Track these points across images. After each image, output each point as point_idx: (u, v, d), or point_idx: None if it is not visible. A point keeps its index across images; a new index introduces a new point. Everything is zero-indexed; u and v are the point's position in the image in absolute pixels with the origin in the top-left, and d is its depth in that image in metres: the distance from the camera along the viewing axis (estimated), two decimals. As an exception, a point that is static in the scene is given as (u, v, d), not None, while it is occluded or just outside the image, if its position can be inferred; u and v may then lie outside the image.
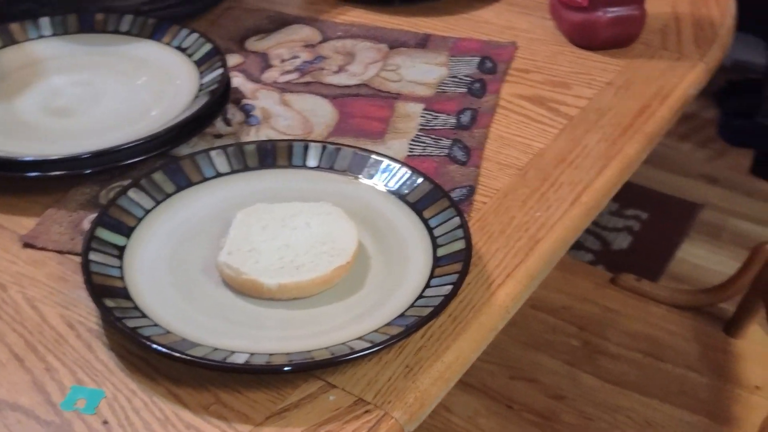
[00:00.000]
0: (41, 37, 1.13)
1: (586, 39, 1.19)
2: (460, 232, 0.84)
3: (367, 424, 0.71)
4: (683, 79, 1.15)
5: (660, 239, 2.26)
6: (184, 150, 0.99)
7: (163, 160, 0.97)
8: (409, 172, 0.92)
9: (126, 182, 0.95)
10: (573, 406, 1.20)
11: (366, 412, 0.72)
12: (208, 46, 1.09)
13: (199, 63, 1.08)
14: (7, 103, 1.03)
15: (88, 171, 0.93)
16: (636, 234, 2.27)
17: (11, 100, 1.04)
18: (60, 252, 0.87)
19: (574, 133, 1.05)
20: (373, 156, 0.94)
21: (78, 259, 0.86)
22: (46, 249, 0.87)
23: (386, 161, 0.93)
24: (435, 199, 0.89)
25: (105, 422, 0.71)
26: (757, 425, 1.17)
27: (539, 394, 1.23)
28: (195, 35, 1.11)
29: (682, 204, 2.37)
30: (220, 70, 1.04)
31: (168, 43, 1.12)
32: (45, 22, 1.14)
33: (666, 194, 2.40)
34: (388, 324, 0.76)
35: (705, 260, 2.22)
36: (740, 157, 2.52)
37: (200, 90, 1.03)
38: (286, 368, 0.71)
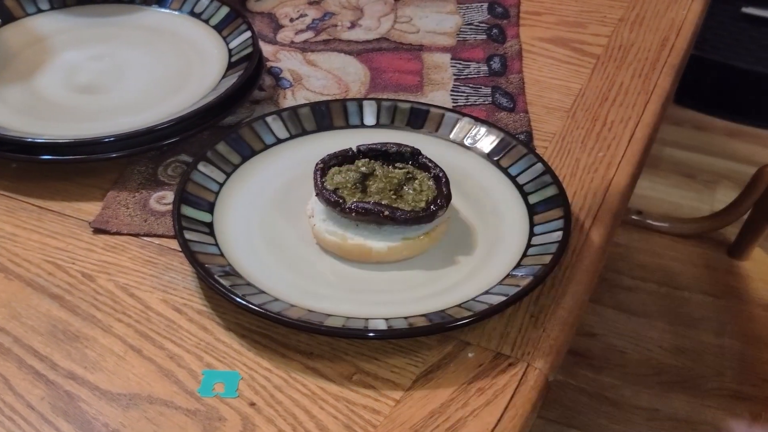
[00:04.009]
0: (40, 11, 1.07)
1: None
2: (548, 178, 0.84)
3: (515, 377, 0.70)
4: (690, 10, 1.17)
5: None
6: (228, 119, 0.95)
7: (209, 131, 0.93)
8: (474, 121, 0.91)
9: (179, 157, 0.91)
10: (605, 341, 1.22)
11: (510, 365, 0.71)
12: (224, 10, 1.05)
13: (219, 28, 1.04)
14: (24, 83, 0.97)
15: (140, 149, 0.88)
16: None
17: (28, 80, 0.98)
18: (137, 235, 0.82)
19: (606, 71, 1.06)
20: (433, 109, 0.92)
21: (158, 240, 0.82)
22: (120, 233, 0.82)
23: (447, 113, 0.92)
24: (508, 148, 0.88)
25: (252, 404, 0.68)
26: (781, 341, 1.21)
27: (570, 333, 1.24)
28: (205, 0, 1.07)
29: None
30: (247, 34, 1.01)
31: (178, 9, 1.07)
32: (41, -4, 1.07)
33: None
34: (509, 276, 0.75)
35: (650, 190, 2.27)
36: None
37: (231, 56, 0.99)
38: (436, 330, 0.70)
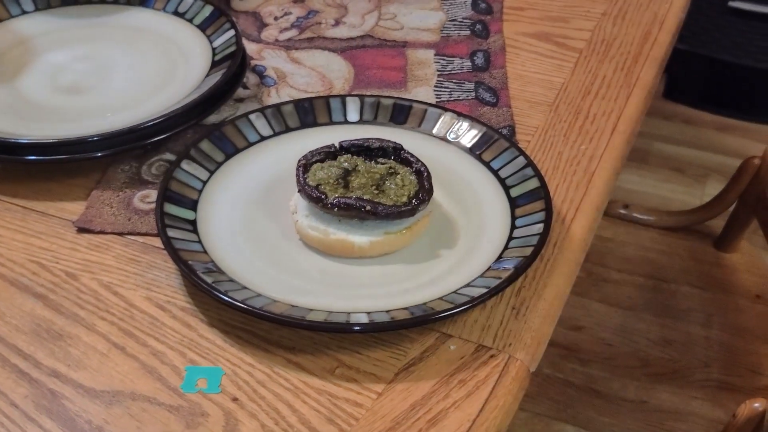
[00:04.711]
0: (24, 13, 1.07)
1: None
2: (529, 171, 0.84)
3: (496, 368, 0.71)
4: (672, 3, 1.17)
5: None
6: (211, 118, 0.95)
7: (193, 129, 0.93)
8: (456, 116, 0.91)
9: (163, 155, 0.91)
10: (592, 334, 1.23)
11: (491, 357, 0.72)
12: (208, 9, 1.05)
13: (203, 27, 1.04)
14: (8, 84, 0.98)
15: (125, 148, 0.88)
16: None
17: (13, 81, 0.98)
18: (120, 234, 0.83)
19: (589, 65, 1.06)
20: (415, 104, 0.92)
21: (141, 239, 0.83)
22: (104, 232, 0.83)
23: (430, 109, 0.92)
24: (490, 142, 0.88)
25: (235, 399, 0.68)
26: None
27: (557, 326, 1.25)
28: (189, -1, 1.07)
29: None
30: (231, 32, 1.01)
31: (162, 9, 1.07)
32: (25, -3, 1.08)
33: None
34: (491, 269, 0.76)
35: (639, 185, 2.28)
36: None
37: (215, 55, 0.99)
38: (417, 323, 0.70)
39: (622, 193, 2.27)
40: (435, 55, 1.07)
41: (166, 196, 0.81)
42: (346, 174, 0.79)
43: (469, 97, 1.00)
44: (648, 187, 2.30)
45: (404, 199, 0.77)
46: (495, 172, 0.86)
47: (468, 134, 0.89)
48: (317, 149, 0.82)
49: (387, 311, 0.72)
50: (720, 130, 2.50)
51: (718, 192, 1.33)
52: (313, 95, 1.00)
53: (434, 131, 0.90)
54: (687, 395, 1.16)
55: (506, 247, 0.78)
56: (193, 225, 0.80)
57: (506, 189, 0.84)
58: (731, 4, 2.42)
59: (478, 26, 1.12)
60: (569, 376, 1.18)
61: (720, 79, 2.47)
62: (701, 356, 1.22)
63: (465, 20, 1.14)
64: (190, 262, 0.75)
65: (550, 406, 1.15)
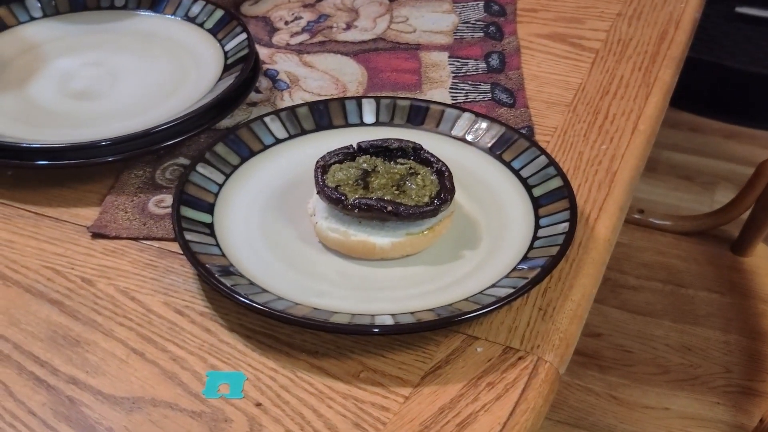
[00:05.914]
0: (32, 19, 1.06)
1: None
2: (552, 170, 0.82)
3: (525, 371, 0.69)
4: (688, 2, 1.16)
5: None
6: (224, 122, 0.94)
7: (206, 134, 0.92)
8: (475, 117, 0.90)
9: (177, 160, 0.90)
10: (611, 341, 1.21)
11: (519, 359, 0.70)
12: (219, 13, 1.04)
13: (214, 31, 1.02)
14: (18, 91, 0.96)
15: (137, 152, 0.87)
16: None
17: (22, 88, 0.97)
18: (136, 239, 0.81)
19: (606, 65, 1.05)
20: (432, 105, 0.91)
21: (157, 243, 0.81)
22: (119, 237, 0.81)
23: (447, 109, 0.90)
24: (510, 141, 0.87)
25: (258, 404, 0.66)
26: (788, 336, 1.20)
27: (576, 333, 1.23)
28: (200, 3, 1.06)
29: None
30: (243, 36, 1.00)
31: (172, 14, 1.06)
32: (33, 3, 1.06)
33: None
34: (516, 269, 0.74)
35: (648, 193, 2.26)
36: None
37: (227, 59, 0.98)
38: (443, 324, 0.69)
39: (631, 201, 2.26)
40: (449, 57, 1.06)
41: (183, 199, 0.79)
42: (366, 175, 0.78)
43: (486, 99, 0.98)
44: (657, 196, 2.28)
45: (426, 199, 0.76)
46: (516, 172, 0.84)
47: (487, 134, 0.88)
48: (335, 150, 0.80)
49: (412, 313, 0.70)
50: (728, 138, 2.49)
51: (735, 195, 1.31)
52: (327, 98, 0.98)
53: (452, 132, 0.89)
54: (709, 401, 1.14)
55: (531, 247, 0.76)
56: (210, 228, 0.78)
57: (528, 189, 0.82)
58: (738, 9, 2.41)
59: (492, 28, 1.11)
60: (589, 383, 1.16)
61: (727, 86, 2.46)
62: (722, 361, 1.20)
63: (478, 22, 1.12)
64: (208, 266, 0.73)
65: (570, 413, 1.13)
